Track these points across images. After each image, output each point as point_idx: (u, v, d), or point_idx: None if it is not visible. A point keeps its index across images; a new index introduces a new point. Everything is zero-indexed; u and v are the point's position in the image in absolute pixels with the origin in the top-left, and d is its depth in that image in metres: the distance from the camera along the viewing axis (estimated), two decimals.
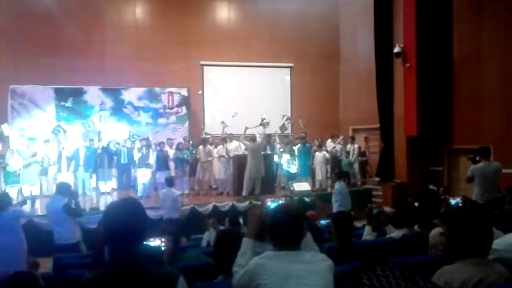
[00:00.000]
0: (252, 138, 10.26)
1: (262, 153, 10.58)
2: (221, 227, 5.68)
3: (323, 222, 5.28)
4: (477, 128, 10.15)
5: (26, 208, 6.37)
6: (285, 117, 12.01)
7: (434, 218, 3.98)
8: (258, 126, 10.62)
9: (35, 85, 12.24)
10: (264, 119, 10.71)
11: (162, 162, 10.61)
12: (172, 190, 8.28)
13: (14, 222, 5.64)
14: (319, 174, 11.47)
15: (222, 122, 11.49)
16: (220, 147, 11.27)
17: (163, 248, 3.48)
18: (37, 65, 12.14)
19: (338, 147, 12.26)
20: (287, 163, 11.30)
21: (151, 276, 1.63)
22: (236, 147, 11.27)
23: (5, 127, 11.03)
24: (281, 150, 11.72)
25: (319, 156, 11.47)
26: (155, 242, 3.38)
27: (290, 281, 1.94)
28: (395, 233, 3.91)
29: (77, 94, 12.75)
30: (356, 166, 12.39)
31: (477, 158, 6.60)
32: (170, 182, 8.45)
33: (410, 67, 11.11)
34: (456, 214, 1.92)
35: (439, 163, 11.31)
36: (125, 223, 1.66)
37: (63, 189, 5.69)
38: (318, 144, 11.97)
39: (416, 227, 3.97)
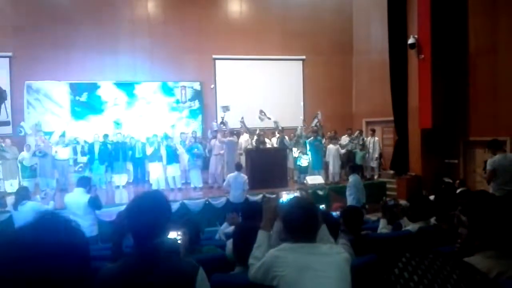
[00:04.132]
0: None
1: (275, 146, 10.58)
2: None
3: (334, 214, 5.26)
4: (493, 120, 9.95)
5: (46, 201, 6.46)
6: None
7: (451, 211, 3.94)
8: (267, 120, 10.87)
9: (50, 80, 12.41)
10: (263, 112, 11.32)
11: (172, 155, 10.69)
12: (241, 174, 8.59)
13: (33, 216, 5.73)
14: (333, 167, 11.41)
15: (241, 120, 11.53)
16: None
17: (179, 241, 3.49)
18: (52, 60, 12.31)
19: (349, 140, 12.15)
20: (299, 156, 11.26)
21: (172, 268, 1.65)
22: (246, 141, 11.40)
23: (25, 125, 11.22)
24: (293, 143, 11.69)
25: (332, 149, 11.40)
26: (171, 234, 3.39)
27: (307, 273, 1.94)
28: (411, 226, 3.87)
29: (91, 89, 12.90)
30: (375, 160, 12.23)
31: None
32: (239, 166, 8.86)
33: (425, 58, 10.91)
34: (478, 206, 1.88)
35: (455, 156, 11.13)
36: (151, 216, 1.68)
37: (83, 182, 5.77)
38: (331, 136, 11.89)
39: (433, 220, 3.93)
